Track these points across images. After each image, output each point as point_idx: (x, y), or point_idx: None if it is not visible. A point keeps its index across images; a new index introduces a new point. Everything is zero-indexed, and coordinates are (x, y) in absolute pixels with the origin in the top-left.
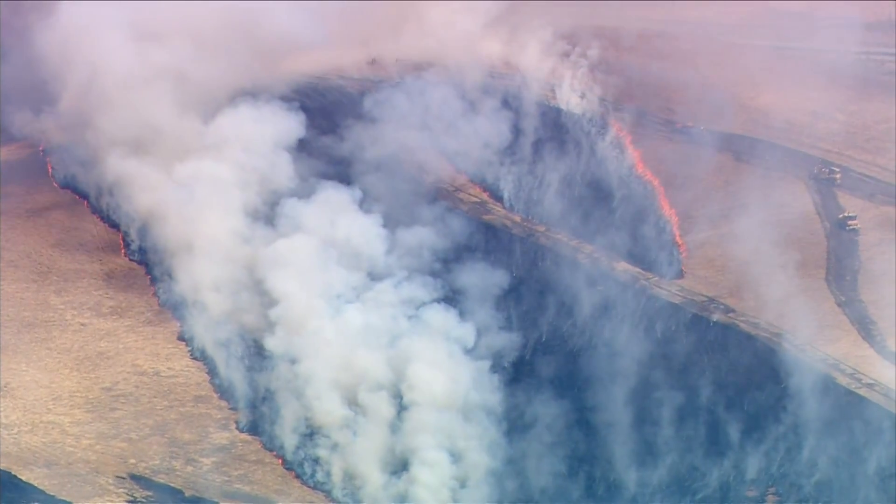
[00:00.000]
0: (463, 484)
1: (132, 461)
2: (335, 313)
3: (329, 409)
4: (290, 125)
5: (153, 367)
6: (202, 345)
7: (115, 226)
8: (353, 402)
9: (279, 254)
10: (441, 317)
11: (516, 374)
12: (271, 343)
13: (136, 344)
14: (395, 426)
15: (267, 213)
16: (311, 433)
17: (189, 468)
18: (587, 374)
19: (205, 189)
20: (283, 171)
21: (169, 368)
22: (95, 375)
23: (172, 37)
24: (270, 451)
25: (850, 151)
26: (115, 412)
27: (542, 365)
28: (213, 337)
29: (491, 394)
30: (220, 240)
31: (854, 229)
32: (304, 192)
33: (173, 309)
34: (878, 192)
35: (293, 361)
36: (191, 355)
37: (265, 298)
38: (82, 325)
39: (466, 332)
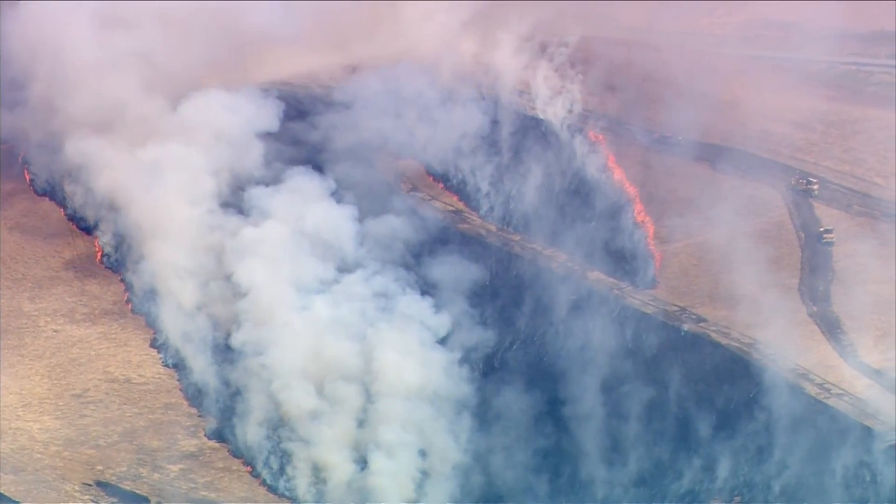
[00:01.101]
0: (428, 476)
1: (99, 468)
2: (304, 304)
3: (298, 400)
4: (263, 112)
5: (124, 375)
6: (170, 337)
7: (89, 231)
8: (322, 394)
9: (248, 242)
10: (412, 307)
11: (486, 373)
12: (239, 335)
13: (109, 351)
14: (365, 417)
15: (236, 201)
16: (278, 427)
17: (156, 475)
18: (555, 379)
19: (172, 174)
20: (254, 157)
21: (140, 376)
22: (66, 382)
23: (141, 24)
24: (238, 458)
25: (827, 162)
26: (84, 419)
27: (511, 368)
28: (182, 329)
29: (461, 386)
30: (187, 227)
31: (829, 243)
32: (273, 180)
33: (141, 300)
34: (854, 203)
35: (261, 353)
36: (162, 362)
37: (234, 288)
38: (55, 331)
39: (437, 322)
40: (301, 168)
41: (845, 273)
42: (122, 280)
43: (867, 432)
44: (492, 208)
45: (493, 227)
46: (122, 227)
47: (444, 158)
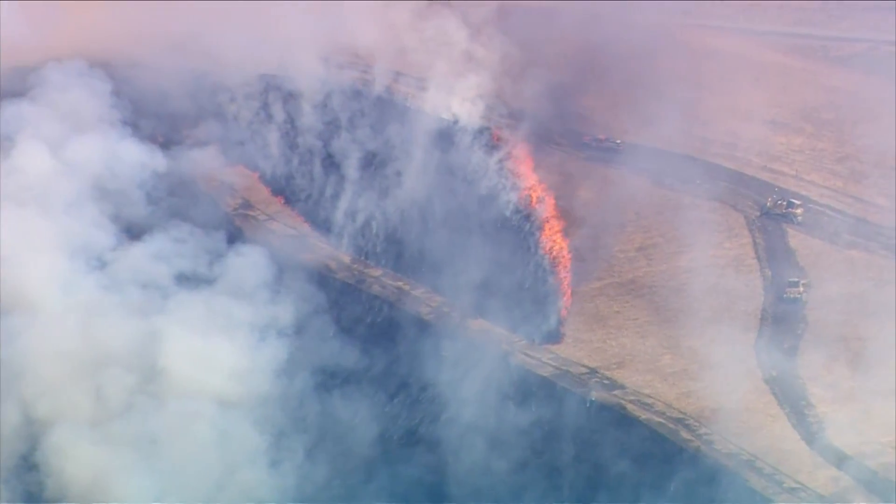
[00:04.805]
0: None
1: None
2: (74, 278)
3: (59, 399)
4: None
5: None
6: None
7: None
8: (88, 392)
9: None
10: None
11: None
12: None
13: None
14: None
15: None
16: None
17: None
18: (406, 463)
19: None
20: None
21: None
22: None
23: None
24: None
25: (813, 175)
26: None
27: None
28: None
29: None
30: None
31: (795, 299)
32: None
33: None
34: (843, 231)
35: (15, 340)
36: None
37: None
38: None
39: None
40: (68, 71)
41: (822, 326)
42: None
43: None
44: (346, 232)
45: (346, 258)
46: None
47: (286, 165)
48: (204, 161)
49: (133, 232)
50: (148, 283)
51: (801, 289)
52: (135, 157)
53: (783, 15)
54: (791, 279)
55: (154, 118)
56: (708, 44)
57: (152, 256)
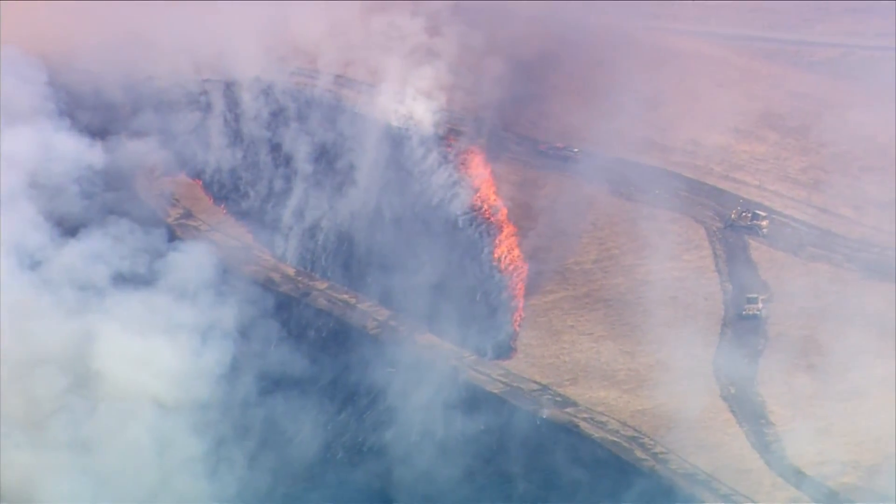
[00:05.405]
0: None
1: None
2: (6, 277)
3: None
4: None
5: None
6: None
7: None
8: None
9: None
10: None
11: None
12: None
13: None
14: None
15: None
16: None
17: None
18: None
19: None
20: None
21: None
22: None
23: None
24: None
25: (776, 185)
26: None
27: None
28: None
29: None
30: None
31: (754, 316)
32: None
33: None
34: (807, 243)
35: None
36: None
37: None
38: None
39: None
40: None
41: (782, 341)
42: None
43: None
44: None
45: (290, 271)
46: None
47: (229, 173)
48: (144, 158)
49: (66, 227)
50: (84, 281)
51: (760, 305)
52: (71, 147)
53: (757, 18)
54: (750, 295)
55: (90, 110)
56: (674, 47)
57: (88, 254)
